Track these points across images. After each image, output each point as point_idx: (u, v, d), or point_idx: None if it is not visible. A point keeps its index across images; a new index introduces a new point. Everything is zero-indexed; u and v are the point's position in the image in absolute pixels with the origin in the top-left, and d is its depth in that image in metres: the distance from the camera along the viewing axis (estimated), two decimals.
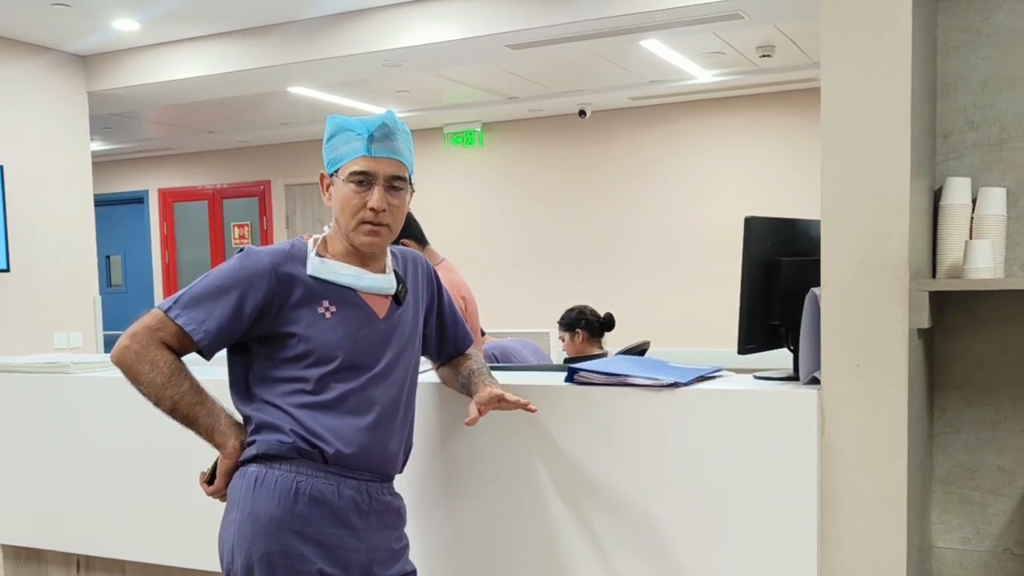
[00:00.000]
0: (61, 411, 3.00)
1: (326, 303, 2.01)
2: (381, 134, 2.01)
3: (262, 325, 1.99)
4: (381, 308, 2.08)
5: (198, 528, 2.41)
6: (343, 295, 2.03)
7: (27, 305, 5.85)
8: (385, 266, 2.12)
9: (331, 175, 2.06)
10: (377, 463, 2.05)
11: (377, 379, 2.03)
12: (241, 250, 2.05)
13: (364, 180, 2.00)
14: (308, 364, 1.98)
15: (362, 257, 2.07)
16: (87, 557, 3.08)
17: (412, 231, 3.30)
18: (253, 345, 2.03)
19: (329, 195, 2.08)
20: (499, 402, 2.10)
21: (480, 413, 2.07)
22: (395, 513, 2.12)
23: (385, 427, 2.04)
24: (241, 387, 2.06)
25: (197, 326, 1.96)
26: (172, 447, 2.46)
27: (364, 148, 2.00)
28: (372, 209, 2.00)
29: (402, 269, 2.18)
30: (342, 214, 2.03)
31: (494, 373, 2.28)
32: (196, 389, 1.99)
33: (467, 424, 2.06)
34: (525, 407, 2.10)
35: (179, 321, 1.96)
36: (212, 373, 2.12)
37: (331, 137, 2.06)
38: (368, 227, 2.02)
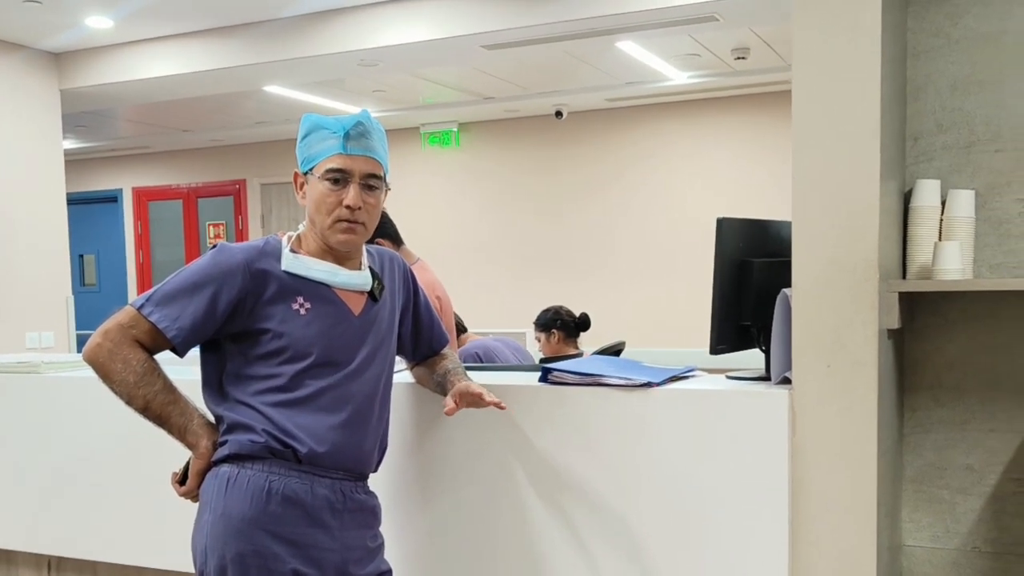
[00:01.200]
0: (32, 411, 2.97)
1: (300, 299, 2.01)
2: (357, 132, 2.01)
3: (236, 321, 1.98)
4: (356, 305, 2.08)
5: (171, 529, 2.39)
6: (318, 291, 2.03)
7: None
8: (360, 263, 2.11)
9: (305, 173, 2.05)
10: (351, 461, 2.04)
11: (352, 376, 2.03)
12: (214, 246, 2.04)
13: (340, 178, 2.00)
14: (282, 360, 1.98)
15: (336, 255, 2.07)
16: (58, 558, 3.05)
17: (387, 230, 3.30)
18: (226, 343, 2.02)
19: (303, 194, 2.07)
20: (475, 397, 2.10)
21: (456, 405, 2.08)
22: (370, 512, 2.12)
23: (359, 425, 2.04)
24: (214, 386, 2.05)
25: (171, 323, 1.95)
26: (144, 447, 2.44)
27: (340, 146, 2.00)
28: (348, 207, 2.00)
29: (378, 267, 2.17)
30: (317, 212, 2.03)
31: (470, 373, 2.29)
32: (169, 388, 1.98)
33: (446, 414, 2.07)
34: (496, 404, 2.11)
35: (152, 318, 1.95)
36: (185, 373, 2.11)
37: (306, 135, 2.05)
38: (344, 225, 2.01)
